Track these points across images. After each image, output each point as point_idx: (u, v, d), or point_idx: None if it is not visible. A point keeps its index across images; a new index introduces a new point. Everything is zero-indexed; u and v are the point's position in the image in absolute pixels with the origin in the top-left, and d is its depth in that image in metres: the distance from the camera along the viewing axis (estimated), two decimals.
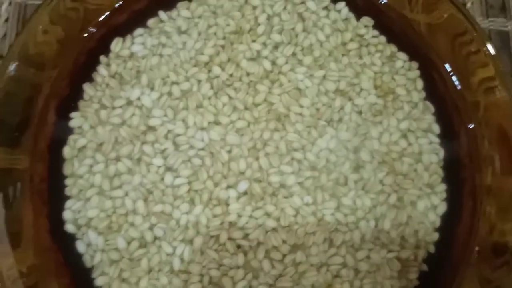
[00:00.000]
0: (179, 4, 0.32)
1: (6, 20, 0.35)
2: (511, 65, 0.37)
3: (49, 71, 0.30)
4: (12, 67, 0.28)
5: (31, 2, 0.35)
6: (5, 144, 0.28)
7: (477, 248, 0.28)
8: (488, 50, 0.29)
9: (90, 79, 0.31)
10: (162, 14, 0.32)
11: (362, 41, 0.32)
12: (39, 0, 0.35)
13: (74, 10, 0.30)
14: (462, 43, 0.30)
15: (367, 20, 0.32)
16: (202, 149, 0.29)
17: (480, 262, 0.28)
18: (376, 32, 0.32)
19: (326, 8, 0.32)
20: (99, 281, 0.28)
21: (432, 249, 0.29)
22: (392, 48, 0.32)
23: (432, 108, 0.31)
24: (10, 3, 0.35)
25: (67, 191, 0.29)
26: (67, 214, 0.28)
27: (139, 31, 0.31)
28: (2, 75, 0.28)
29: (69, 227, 0.28)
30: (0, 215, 0.27)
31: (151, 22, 0.32)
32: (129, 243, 0.28)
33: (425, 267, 0.29)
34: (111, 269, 0.28)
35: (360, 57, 0.32)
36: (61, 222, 0.28)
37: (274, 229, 0.29)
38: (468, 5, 0.38)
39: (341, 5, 0.32)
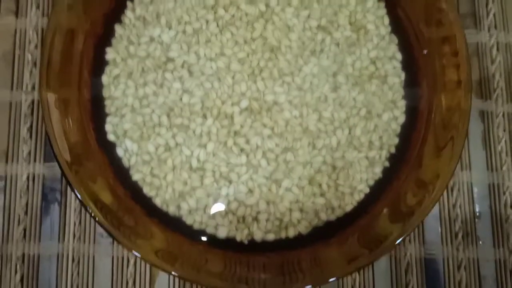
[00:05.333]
0: None
1: None
2: (471, 6, 0.39)
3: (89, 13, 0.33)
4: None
5: None
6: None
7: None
8: None
9: (120, 21, 0.34)
10: None
11: None
12: None
13: None
14: None
15: None
16: (212, 75, 0.33)
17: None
18: None
19: None
20: (135, 177, 0.33)
21: (393, 150, 0.34)
22: None
23: (396, 40, 0.35)
24: None
25: (107, 110, 0.33)
26: (108, 127, 0.33)
27: None
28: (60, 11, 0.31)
29: (111, 137, 0.33)
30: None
31: None
32: (157, 148, 0.33)
33: (387, 164, 0.34)
34: (144, 168, 0.33)
35: None
36: (104, 133, 0.33)
37: (269, 136, 0.33)
38: None
39: None
